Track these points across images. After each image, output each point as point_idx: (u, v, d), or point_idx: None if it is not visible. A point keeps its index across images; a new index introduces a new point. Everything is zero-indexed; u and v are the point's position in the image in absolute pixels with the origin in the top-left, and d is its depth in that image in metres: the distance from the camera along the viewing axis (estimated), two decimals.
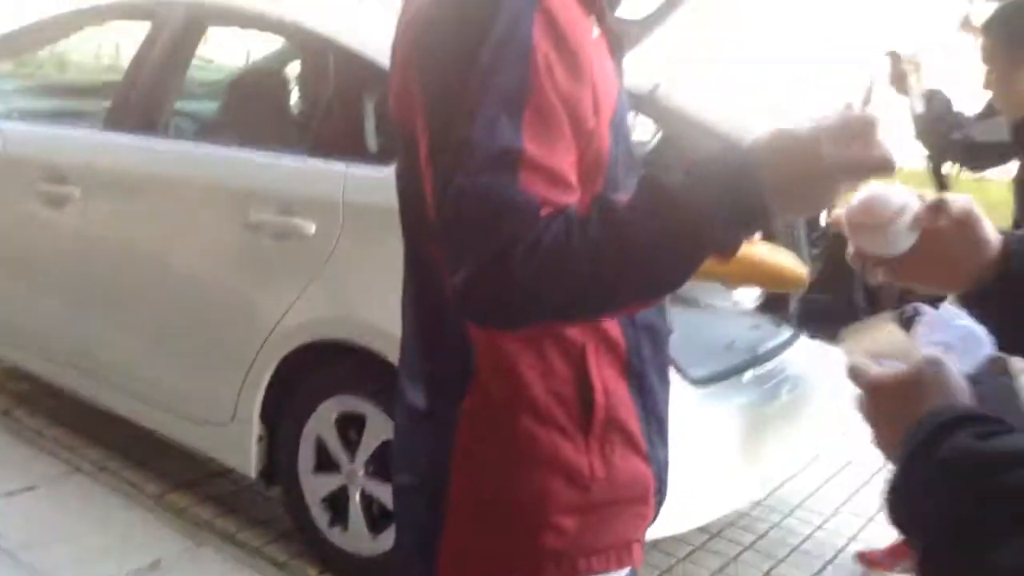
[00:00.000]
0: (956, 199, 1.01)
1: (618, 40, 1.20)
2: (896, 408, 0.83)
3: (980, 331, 0.95)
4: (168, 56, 3.11)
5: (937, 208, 0.99)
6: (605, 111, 1.09)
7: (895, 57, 2.88)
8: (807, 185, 0.94)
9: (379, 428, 2.54)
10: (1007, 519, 0.69)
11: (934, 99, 2.85)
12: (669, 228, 0.94)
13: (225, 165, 2.91)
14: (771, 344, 2.92)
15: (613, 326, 1.19)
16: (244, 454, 2.79)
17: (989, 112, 2.72)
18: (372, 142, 2.64)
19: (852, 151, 0.92)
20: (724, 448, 2.59)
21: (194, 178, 2.94)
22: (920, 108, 2.83)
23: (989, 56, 2.51)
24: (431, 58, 1.05)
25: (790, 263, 1.45)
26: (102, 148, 3.14)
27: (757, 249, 1.41)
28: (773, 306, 2.93)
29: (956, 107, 2.88)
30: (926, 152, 2.90)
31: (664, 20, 3.21)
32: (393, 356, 2.40)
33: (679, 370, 2.44)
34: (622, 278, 0.97)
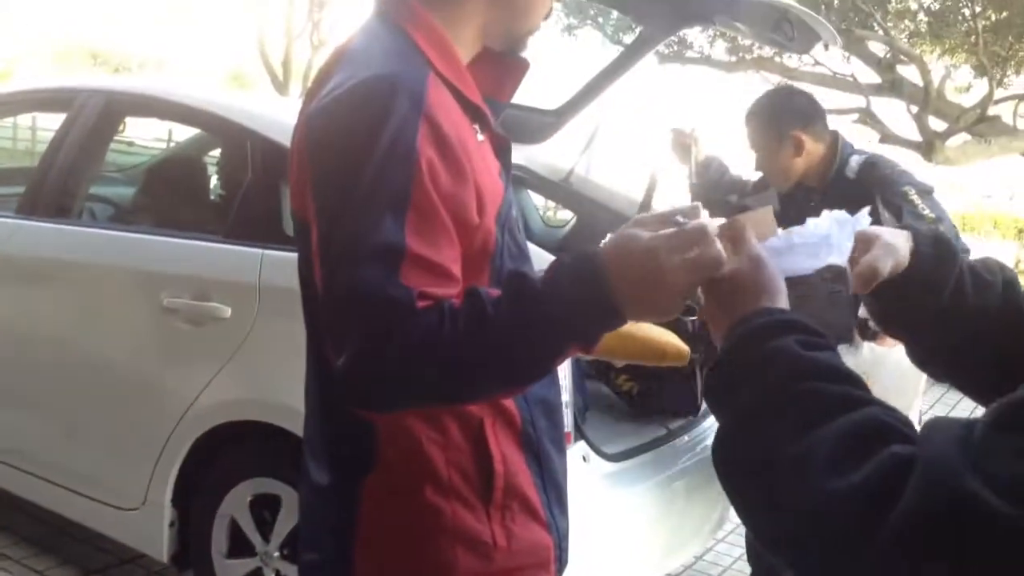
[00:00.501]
0: (885, 259, 1.09)
1: (503, 143, 1.30)
2: (719, 300, 0.98)
3: (839, 239, 1.05)
4: (85, 143, 3.14)
5: (871, 275, 1.08)
6: (490, 208, 1.17)
7: (676, 132, 3.23)
8: (650, 290, 1.00)
9: (294, 509, 2.54)
10: (798, 421, 0.79)
11: (710, 166, 3.18)
12: (532, 322, 1.01)
13: (140, 250, 2.93)
14: (681, 420, 3.03)
15: (508, 400, 1.25)
16: (156, 539, 2.76)
17: (764, 183, 3.04)
18: (288, 226, 2.70)
19: (687, 257, 0.98)
20: (637, 521, 2.65)
21: (108, 263, 2.95)
22: (694, 179, 3.17)
23: (753, 143, 2.85)
24: (323, 156, 1.12)
25: (673, 340, 1.55)
26: (15, 233, 3.13)
27: (641, 327, 1.51)
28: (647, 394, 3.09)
29: (735, 172, 3.22)
30: None
31: (578, 110, 3.36)
32: None
33: (593, 447, 2.51)
34: (489, 367, 1.04)
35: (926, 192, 2.68)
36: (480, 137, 1.23)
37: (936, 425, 0.74)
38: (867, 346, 2.02)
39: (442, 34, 1.22)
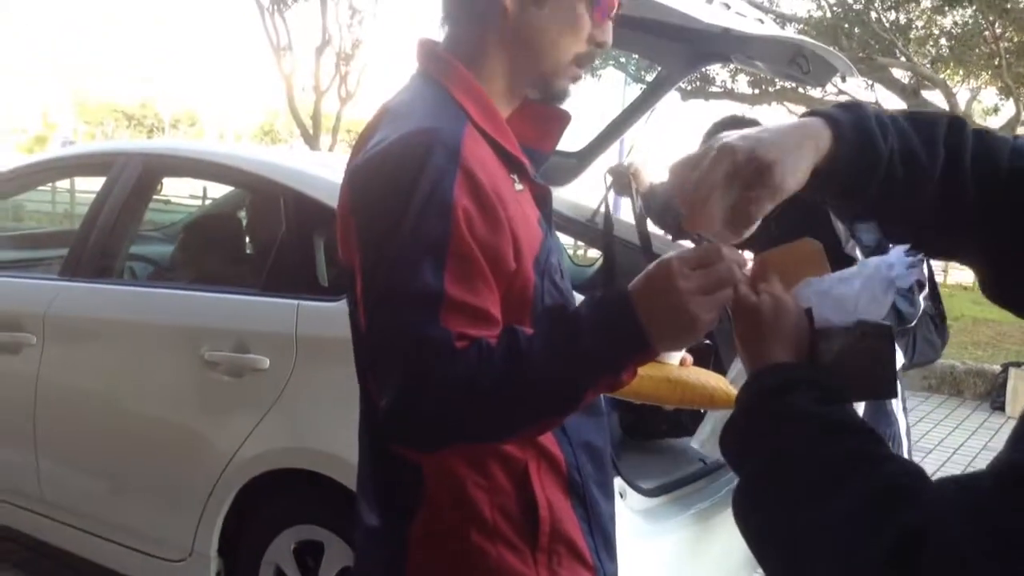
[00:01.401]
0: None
1: (543, 191, 1.35)
2: (746, 332, 0.98)
3: (880, 291, 0.99)
4: (123, 205, 3.24)
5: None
6: (528, 254, 1.22)
7: (615, 171, 3.39)
8: (670, 311, 1.05)
9: (337, 555, 2.59)
10: (811, 485, 0.79)
11: (654, 193, 3.28)
12: (563, 353, 1.07)
13: (180, 305, 3.01)
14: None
15: (552, 443, 1.28)
16: None
17: None
18: (323, 277, 2.77)
19: (701, 276, 1.04)
20: (675, 557, 2.65)
21: (149, 320, 3.03)
22: (639, 208, 3.33)
23: None
24: (366, 208, 1.19)
25: (722, 385, 1.59)
26: (59, 295, 3.23)
27: (690, 372, 1.54)
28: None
29: None
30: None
31: (602, 151, 3.43)
32: (349, 482, 2.48)
33: (629, 483, 2.52)
34: (524, 399, 1.09)
35: None
36: (519, 187, 1.28)
37: (943, 495, 0.74)
38: None
39: (479, 88, 1.28)
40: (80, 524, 3.15)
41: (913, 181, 0.98)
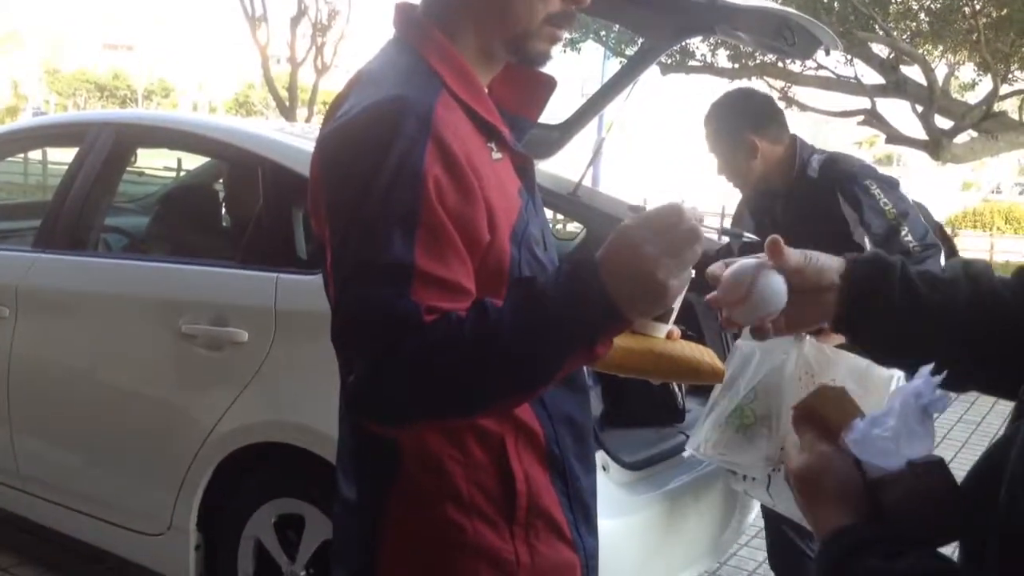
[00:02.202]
0: (790, 251, 1.12)
1: (524, 161, 1.31)
2: (803, 497, 0.96)
3: (919, 424, 0.93)
4: (97, 176, 3.19)
5: (774, 249, 1.11)
6: (504, 225, 1.19)
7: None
8: (638, 278, 1.03)
9: (318, 528, 2.57)
10: None
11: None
12: (533, 324, 1.05)
13: (157, 277, 2.97)
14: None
15: (530, 417, 1.26)
16: (182, 563, 2.78)
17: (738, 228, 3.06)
18: (302, 250, 2.74)
19: (665, 239, 1.03)
20: (657, 530, 2.66)
21: (126, 292, 2.99)
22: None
23: (710, 147, 2.86)
24: (334, 178, 1.16)
25: (708, 358, 1.57)
26: (32, 267, 3.18)
27: (677, 346, 1.53)
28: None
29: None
30: None
31: (583, 124, 3.40)
32: (328, 456, 2.46)
33: (612, 456, 2.52)
34: (495, 372, 1.06)
35: (889, 185, 2.67)
36: (497, 155, 1.24)
37: None
38: (809, 341, 2.01)
39: (454, 54, 1.24)
40: (57, 498, 3.11)
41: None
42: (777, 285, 1.10)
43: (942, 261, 2.63)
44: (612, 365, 1.53)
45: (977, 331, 1.09)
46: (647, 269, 1.02)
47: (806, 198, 2.75)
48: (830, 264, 1.13)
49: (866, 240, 2.64)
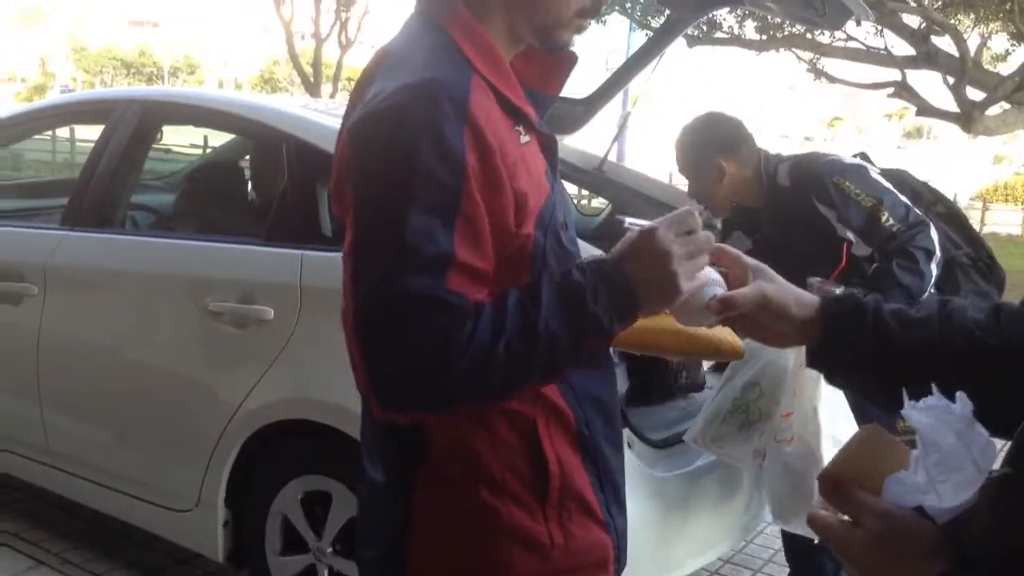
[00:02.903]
0: (746, 294, 1.18)
1: (549, 140, 1.30)
2: (880, 569, 0.83)
3: (978, 453, 0.83)
4: (124, 153, 3.19)
5: (727, 303, 1.19)
6: (532, 211, 1.19)
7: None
8: (658, 275, 1.13)
9: (344, 505, 2.58)
10: None
11: None
12: (571, 321, 1.11)
13: (183, 255, 2.98)
14: None
15: (559, 399, 1.25)
16: (211, 539, 2.81)
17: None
18: (326, 227, 2.73)
19: (685, 241, 1.14)
20: (680, 509, 2.65)
21: (152, 270, 3.00)
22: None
23: (681, 168, 2.88)
24: (368, 165, 1.13)
25: (727, 336, 1.55)
26: (60, 245, 3.19)
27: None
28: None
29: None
30: None
31: (608, 99, 3.36)
32: (355, 433, 2.46)
33: (637, 433, 2.51)
34: (535, 361, 1.11)
35: (859, 174, 2.65)
36: (525, 138, 1.22)
37: None
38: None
39: (483, 34, 1.22)
40: (86, 474, 3.14)
41: None
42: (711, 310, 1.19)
43: (934, 235, 2.57)
44: (631, 343, 1.54)
45: (947, 371, 1.07)
46: (669, 268, 1.12)
47: (784, 208, 2.77)
48: (796, 307, 1.19)
49: (849, 235, 2.64)
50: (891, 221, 2.57)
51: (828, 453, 1.78)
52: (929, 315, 1.14)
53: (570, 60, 1.34)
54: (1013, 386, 1.04)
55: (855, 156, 2.88)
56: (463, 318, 1.07)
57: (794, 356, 1.79)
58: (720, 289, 1.20)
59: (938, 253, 2.57)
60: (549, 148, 1.30)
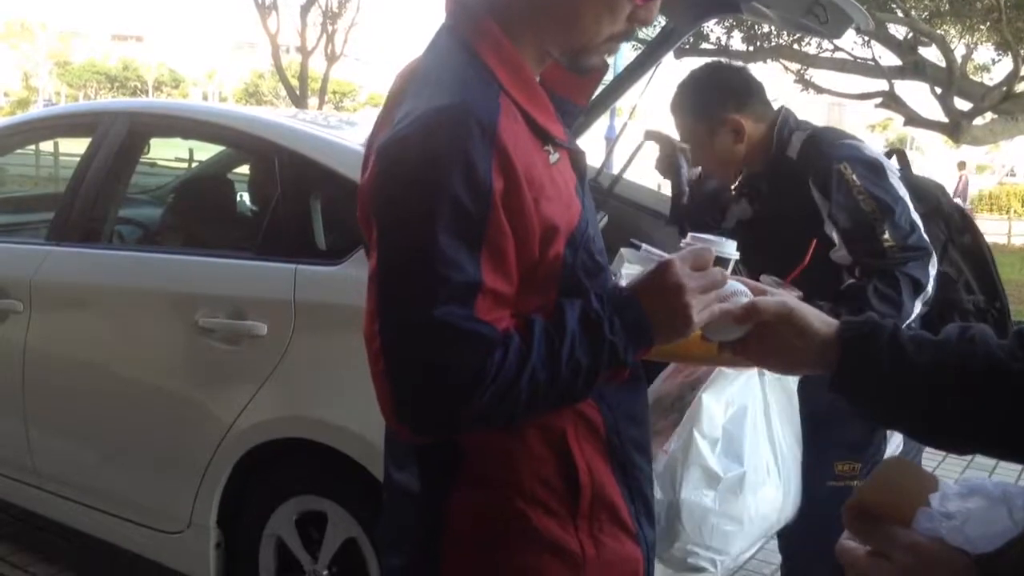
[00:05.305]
0: (769, 302, 1.18)
1: (578, 155, 1.29)
2: None
3: (992, 493, 0.81)
4: (110, 166, 3.13)
5: (750, 310, 1.18)
6: (563, 231, 1.19)
7: (656, 137, 2.65)
8: (673, 309, 1.17)
9: (341, 526, 2.52)
10: None
11: (705, 182, 2.63)
12: (595, 351, 1.15)
13: (173, 270, 2.91)
14: None
15: (590, 408, 1.25)
16: (202, 561, 2.73)
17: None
18: (320, 241, 2.67)
19: (700, 276, 1.17)
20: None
21: (141, 285, 2.93)
22: (686, 199, 2.61)
23: (683, 135, 2.47)
24: (396, 190, 1.12)
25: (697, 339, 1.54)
26: (45, 260, 3.12)
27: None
28: None
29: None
30: None
31: (605, 109, 3.32)
32: (351, 452, 2.41)
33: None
34: (556, 391, 1.15)
35: (873, 171, 2.21)
36: (554, 157, 1.22)
37: None
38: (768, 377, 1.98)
39: (513, 53, 1.21)
40: (74, 495, 3.07)
41: None
42: (737, 320, 1.20)
43: (931, 269, 2.15)
44: (664, 354, 1.59)
45: (966, 394, 1.08)
46: (684, 302, 1.16)
47: (784, 183, 2.36)
48: (819, 322, 1.18)
49: (834, 234, 2.22)
50: (887, 235, 2.14)
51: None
52: (948, 338, 1.13)
53: (601, 71, 1.33)
54: None
55: (888, 152, 2.46)
56: (493, 347, 1.09)
57: (758, 404, 1.82)
58: (745, 298, 1.20)
59: (929, 290, 2.16)
60: (578, 162, 1.29)
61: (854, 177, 2.19)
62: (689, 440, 1.81)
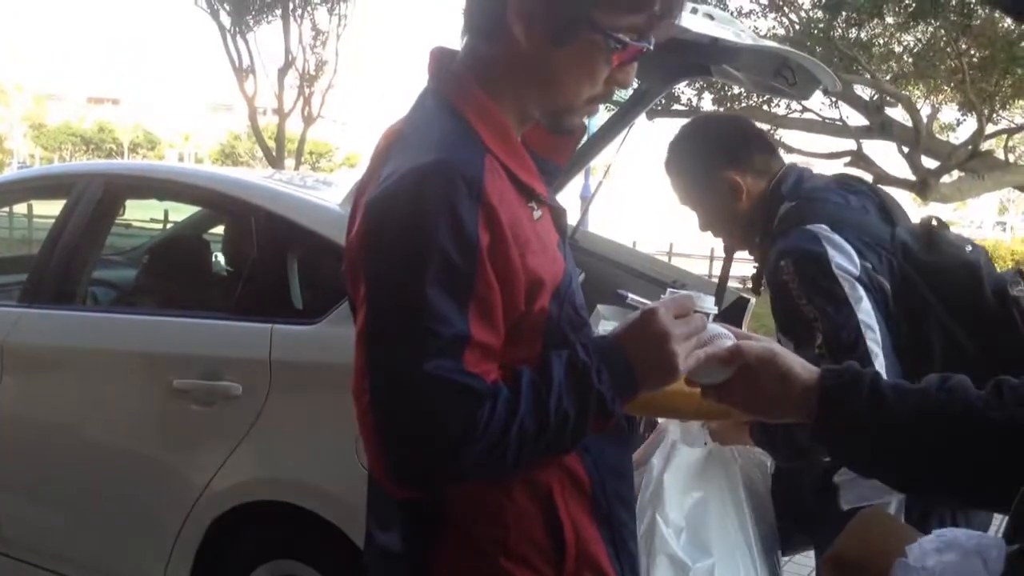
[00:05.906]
0: (753, 345, 1.20)
1: (559, 212, 1.31)
2: None
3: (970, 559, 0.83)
4: (85, 228, 3.11)
5: (735, 352, 1.20)
6: (548, 289, 1.21)
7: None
8: (658, 356, 1.17)
9: None
10: None
11: None
12: (581, 403, 1.15)
13: (147, 332, 2.89)
14: None
15: (576, 464, 1.26)
16: None
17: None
18: (297, 300, 2.67)
19: (683, 323, 1.18)
20: None
21: (115, 347, 2.90)
22: None
23: (685, 196, 2.20)
24: (383, 246, 1.13)
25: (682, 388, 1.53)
26: (18, 322, 3.09)
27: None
28: None
29: None
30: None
31: (581, 167, 3.36)
32: (328, 514, 2.38)
33: None
34: (543, 443, 1.14)
35: (817, 266, 1.86)
36: (537, 214, 1.24)
37: None
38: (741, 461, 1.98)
39: (496, 113, 1.23)
40: (43, 563, 3.00)
41: None
42: (721, 362, 1.21)
43: (881, 368, 1.76)
44: (648, 408, 1.63)
45: (943, 442, 1.10)
46: (669, 349, 1.16)
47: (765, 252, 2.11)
48: (801, 368, 1.19)
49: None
50: (822, 346, 1.85)
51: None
52: (928, 387, 1.15)
53: (581, 132, 1.36)
54: (1011, 459, 1.04)
55: (924, 222, 2.04)
56: (482, 400, 1.09)
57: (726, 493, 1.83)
58: (729, 341, 1.21)
59: None
60: (559, 220, 1.32)
61: (793, 283, 1.89)
62: (652, 526, 1.79)
